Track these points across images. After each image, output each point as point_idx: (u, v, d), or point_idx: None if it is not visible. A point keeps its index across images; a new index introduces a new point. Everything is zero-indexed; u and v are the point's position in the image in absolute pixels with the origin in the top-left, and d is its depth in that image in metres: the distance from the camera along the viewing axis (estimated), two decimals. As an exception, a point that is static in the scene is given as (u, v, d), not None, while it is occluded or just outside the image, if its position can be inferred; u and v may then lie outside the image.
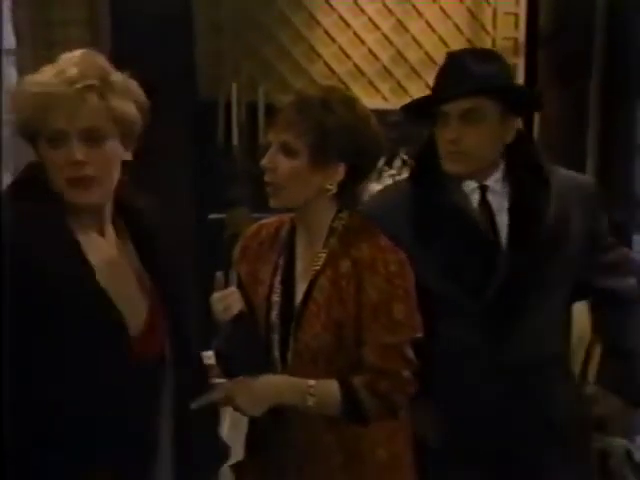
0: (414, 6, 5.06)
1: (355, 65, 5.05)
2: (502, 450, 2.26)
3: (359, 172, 2.06)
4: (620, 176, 4.33)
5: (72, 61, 1.79)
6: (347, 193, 2.07)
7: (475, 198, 2.28)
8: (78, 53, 1.81)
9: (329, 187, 2.02)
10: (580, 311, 2.53)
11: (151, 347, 1.87)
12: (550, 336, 2.28)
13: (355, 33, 5.04)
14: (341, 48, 5.03)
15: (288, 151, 2.00)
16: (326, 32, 5.01)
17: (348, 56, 5.04)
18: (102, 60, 1.83)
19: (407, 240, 2.12)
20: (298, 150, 1.99)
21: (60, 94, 1.74)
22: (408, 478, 2.14)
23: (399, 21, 5.06)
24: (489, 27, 5.17)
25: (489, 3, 5.16)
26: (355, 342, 2.00)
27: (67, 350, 1.72)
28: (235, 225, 4.65)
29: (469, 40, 5.13)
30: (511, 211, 2.26)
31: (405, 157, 4.87)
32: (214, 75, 4.87)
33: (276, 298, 2.09)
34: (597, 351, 2.44)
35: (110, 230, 1.91)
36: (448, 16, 5.11)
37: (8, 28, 4.06)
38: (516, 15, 5.16)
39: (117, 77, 1.82)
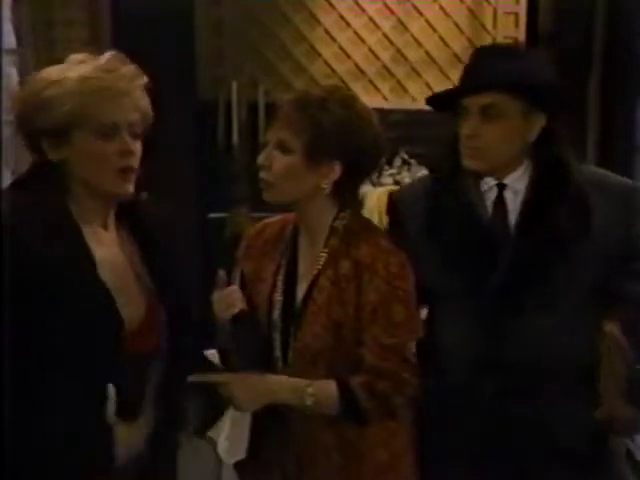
0: (414, 6, 5.06)
1: (355, 64, 5.06)
2: (500, 451, 2.25)
3: (357, 171, 2.06)
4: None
5: (117, 60, 1.87)
6: (346, 193, 2.07)
7: (491, 196, 2.27)
8: (112, 53, 1.88)
9: (324, 186, 2.02)
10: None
11: (145, 345, 1.90)
12: (560, 338, 2.22)
13: (355, 32, 5.05)
14: (341, 47, 5.04)
15: (284, 149, 2.01)
16: (327, 31, 5.02)
17: (348, 55, 5.05)
18: None
19: (420, 233, 2.14)
20: (293, 148, 2.00)
21: (118, 89, 1.83)
22: (408, 478, 2.14)
23: (399, 20, 5.07)
24: (489, 26, 5.18)
25: (489, 3, 5.16)
26: (355, 343, 2.00)
27: (63, 337, 1.75)
28: (236, 224, 4.66)
29: (469, 39, 5.14)
30: (521, 210, 2.24)
31: (405, 156, 4.88)
32: (215, 74, 4.88)
33: (278, 297, 2.09)
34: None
35: (113, 226, 1.94)
36: (448, 15, 5.12)
37: (8, 28, 4.07)
38: (516, 14, 5.17)
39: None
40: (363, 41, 5.05)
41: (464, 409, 2.28)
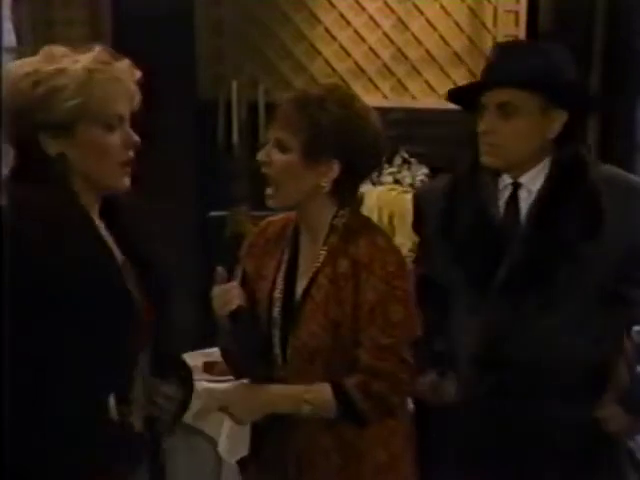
0: (415, 4, 5.06)
1: (356, 63, 5.06)
2: (500, 450, 2.25)
3: (357, 170, 2.06)
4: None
5: (107, 53, 1.84)
6: (345, 191, 2.07)
7: (506, 194, 2.26)
8: (100, 47, 1.86)
9: (323, 185, 2.03)
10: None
11: (143, 341, 1.88)
12: (562, 339, 2.21)
13: (356, 31, 5.04)
14: (342, 46, 5.03)
15: (282, 147, 2.01)
16: (327, 30, 5.01)
17: (349, 54, 5.04)
18: None
19: (436, 231, 2.18)
20: (291, 147, 2.00)
21: (121, 80, 1.83)
22: (408, 478, 2.13)
23: (400, 19, 5.06)
24: (490, 25, 5.18)
25: (490, 1, 5.16)
26: (352, 342, 2.00)
27: (86, 338, 1.72)
28: (236, 223, 4.66)
29: (470, 38, 5.14)
30: (531, 209, 2.23)
31: (405, 155, 4.87)
32: (215, 74, 4.88)
33: (278, 294, 2.09)
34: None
35: (100, 222, 1.91)
36: (449, 14, 5.11)
37: (8, 26, 4.07)
38: (516, 13, 5.16)
39: None
40: (363, 40, 5.04)
41: (464, 408, 2.28)
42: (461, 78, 4.89)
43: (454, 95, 2.35)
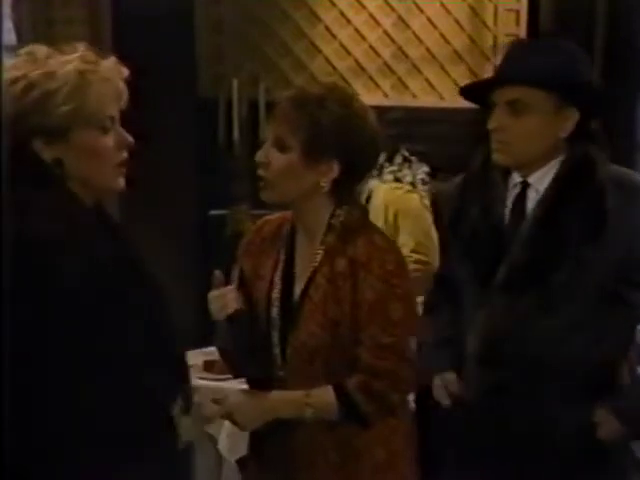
0: (415, 2, 5.06)
1: (356, 61, 5.06)
2: (499, 450, 2.25)
3: (354, 170, 2.06)
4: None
5: (92, 52, 1.81)
6: (343, 190, 2.06)
7: (515, 193, 2.25)
8: (87, 47, 1.83)
9: (323, 184, 2.02)
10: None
11: None
12: (562, 339, 2.20)
13: (356, 29, 5.04)
14: (342, 44, 5.03)
15: (281, 146, 2.00)
16: (327, 28, 5.01)
17: (349, 52, 5.05)
18: None
19: (448, 228, 2.21)
20: (291, 146, 2.00)
21: (111, 80, 1.80)
22: (407, 477, 2.13)
23: (400, 17, 5.07)
24: (490, 24, 5.18)
25: (490, 0, 5.16)
26: (351, 342, 2.00)
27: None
28: (236, 222, 4.67)
29: (470, 37, 5.14)
30: (536, 209, 2.21)
31: (406, 153, 4.87)
32: (215, 72, 4.88)
33: (276, 294, 2.09)
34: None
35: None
36: (449, 12, 5.12)
37: (9, 25, 4.07)
38: (517, 12, 5.17)
39: None
40: (364, 38, 5.04)
41: (464, 407, 2.29)
42: (461, 77, 4.90)
43: (467, 92, 2.35)
